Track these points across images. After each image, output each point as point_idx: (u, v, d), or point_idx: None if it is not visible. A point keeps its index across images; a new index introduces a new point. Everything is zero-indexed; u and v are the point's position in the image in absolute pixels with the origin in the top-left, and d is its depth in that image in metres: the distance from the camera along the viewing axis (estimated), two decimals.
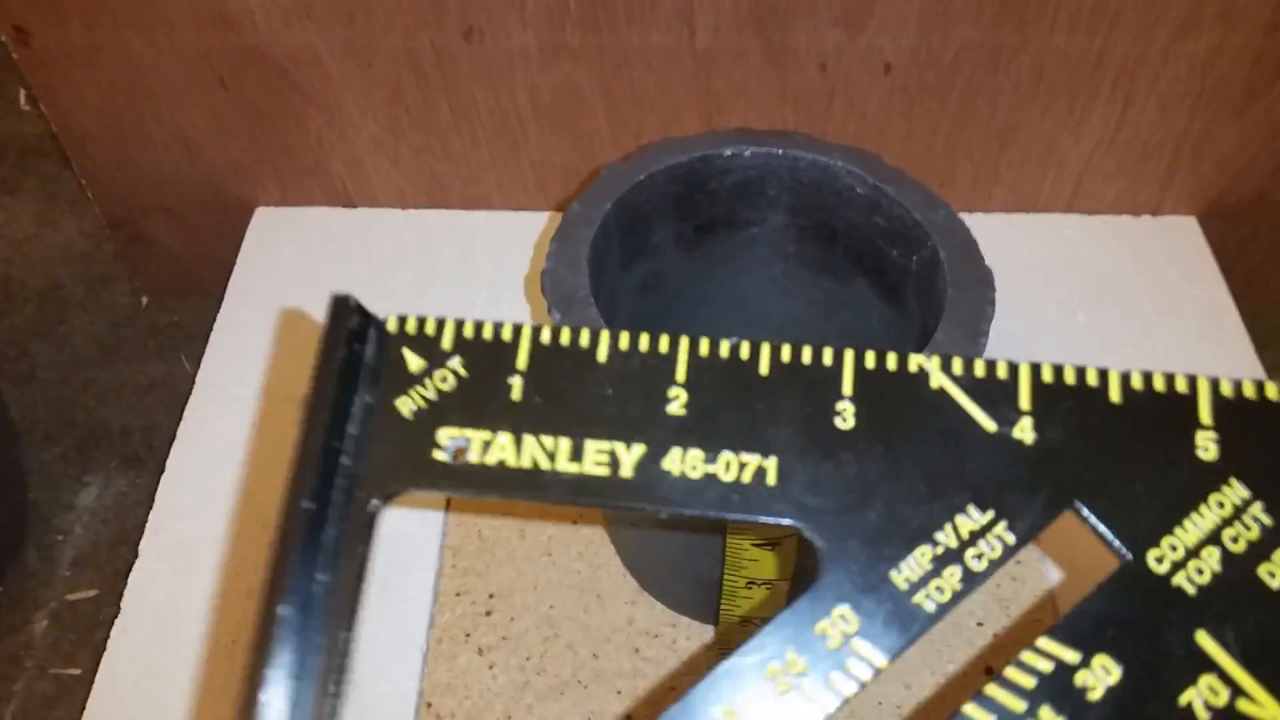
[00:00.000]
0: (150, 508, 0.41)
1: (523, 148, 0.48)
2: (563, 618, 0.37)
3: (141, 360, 0.59)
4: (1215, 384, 0.15)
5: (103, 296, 0.62)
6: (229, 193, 0.52)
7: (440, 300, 0.49)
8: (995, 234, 0.26)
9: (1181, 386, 0.15)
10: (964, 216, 0.30)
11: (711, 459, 0.15)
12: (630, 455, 0.15)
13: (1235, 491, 0.15)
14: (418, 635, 0.37)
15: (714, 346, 0.16)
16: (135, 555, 0.40)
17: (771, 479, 0.15)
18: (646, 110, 0.46)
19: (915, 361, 0.16)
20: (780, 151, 0.32)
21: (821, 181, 0.32)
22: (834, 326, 0.36)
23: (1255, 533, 0.14)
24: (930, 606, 0.14)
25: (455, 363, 0.16)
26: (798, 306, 0.37)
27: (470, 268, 0.50)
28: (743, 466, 0.15)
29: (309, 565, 0.15)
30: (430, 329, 0.16)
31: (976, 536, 0.15)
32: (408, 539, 0.40)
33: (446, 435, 0.16)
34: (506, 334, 0.16)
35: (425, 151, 0.49)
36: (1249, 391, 0.15)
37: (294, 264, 0.50)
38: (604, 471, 0.15)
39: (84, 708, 0.36)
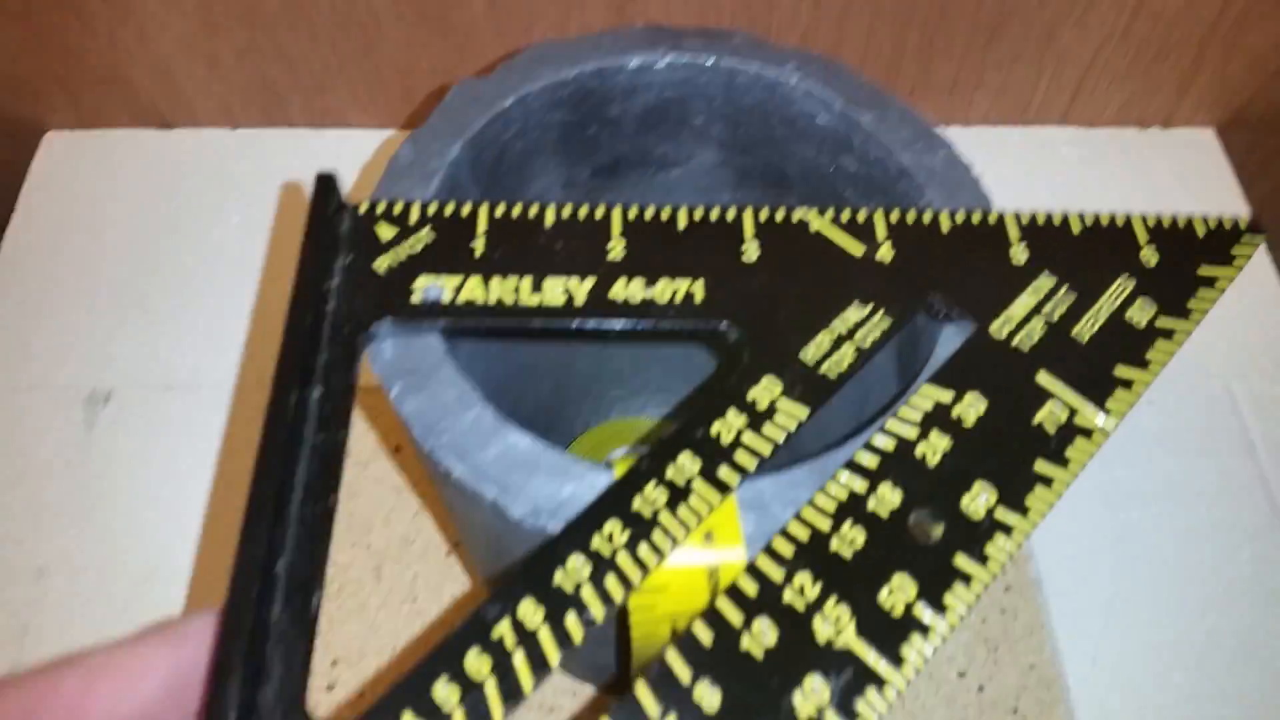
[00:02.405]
0: None
1: (378, 46, 0.38)
2: None
3: None
4: (1018, 215, 0.20)
5: None
6: (5, 112, 0.41)
7: (288, 247, 0.37)
8: (977, 151, 0.22)
9: (992, 220, 0.20)
10: (939, 130, 0.22)
11: (650, 285, 0.19)
12: (582, 287, 0.19)
13: (1046, 281, 0.19)
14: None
15: (641, 211, 0.20)
16: None
17: (699, 297, 0.19)
18: None
19: (797, 215, 0.20)
20: (709, 62, 0.23)
21: (768, 105, 0.24)
22: None
23: (1065, 306, 0.19)
24: (834, 374, 0.18)
25: (424, 232, 0.19)
26: None
27: None
28: (675, 290, 0.19)
29: (306, 380, 0.17)
30: (398, 209, 0.19)
31: (861, 323, 0.18)
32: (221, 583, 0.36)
33: (422, 282, 0.18)
34: (465, 210, 0.19)
35: (252, 52, 0.38)
36: (1040, 219, 0.20)
37: (94, 203, 0.39)
38: (561, 300, 0.18)
39: None
